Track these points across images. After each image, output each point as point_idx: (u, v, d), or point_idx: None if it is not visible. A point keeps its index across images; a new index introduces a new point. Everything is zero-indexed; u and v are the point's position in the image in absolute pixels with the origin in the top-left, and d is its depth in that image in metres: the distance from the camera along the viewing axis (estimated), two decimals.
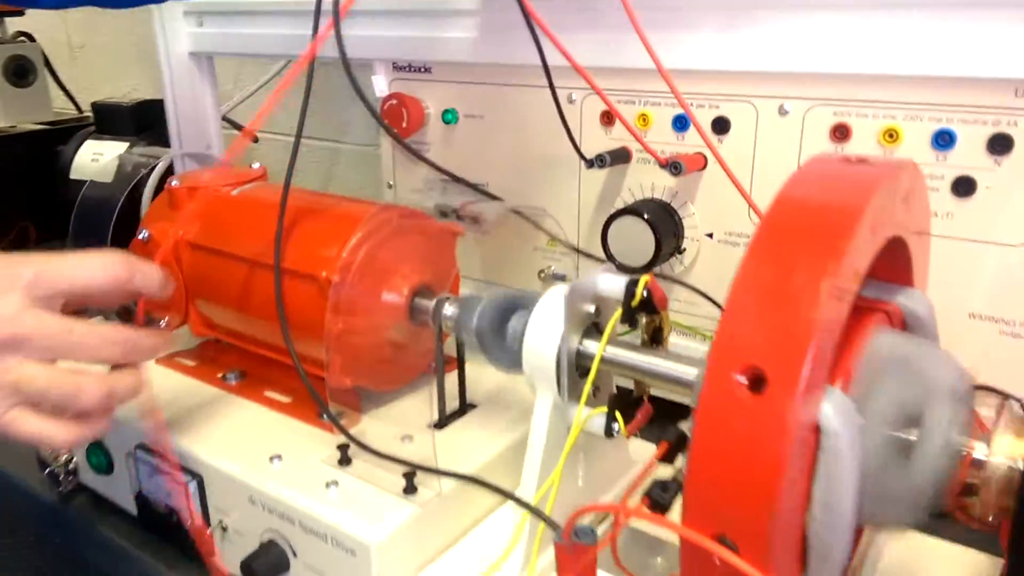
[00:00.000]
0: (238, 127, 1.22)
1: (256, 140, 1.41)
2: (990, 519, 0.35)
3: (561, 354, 0.45)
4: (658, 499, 0.35)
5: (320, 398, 0.51)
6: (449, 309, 0.52)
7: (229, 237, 0.58)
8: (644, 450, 0.57)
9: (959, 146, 0.52)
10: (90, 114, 1.32)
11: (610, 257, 0.64)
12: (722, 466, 0.30)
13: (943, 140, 0.53)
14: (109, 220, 1.05)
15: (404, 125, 0.75)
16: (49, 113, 1.37)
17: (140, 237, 0.61)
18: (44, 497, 0.65)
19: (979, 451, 0.34)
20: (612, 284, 0.46)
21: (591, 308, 0.47)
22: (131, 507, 0.60)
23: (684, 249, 0.64)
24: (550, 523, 0.41)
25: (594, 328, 0.47)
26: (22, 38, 1.37)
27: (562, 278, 0.72)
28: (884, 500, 0.35)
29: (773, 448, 0.29)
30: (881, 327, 0.38)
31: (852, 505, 0.32)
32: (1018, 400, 0.36)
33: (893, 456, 0.35)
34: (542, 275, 0.72)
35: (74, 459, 0.64)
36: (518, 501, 0.44)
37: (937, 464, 0.34)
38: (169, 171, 1.04)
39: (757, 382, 0.30)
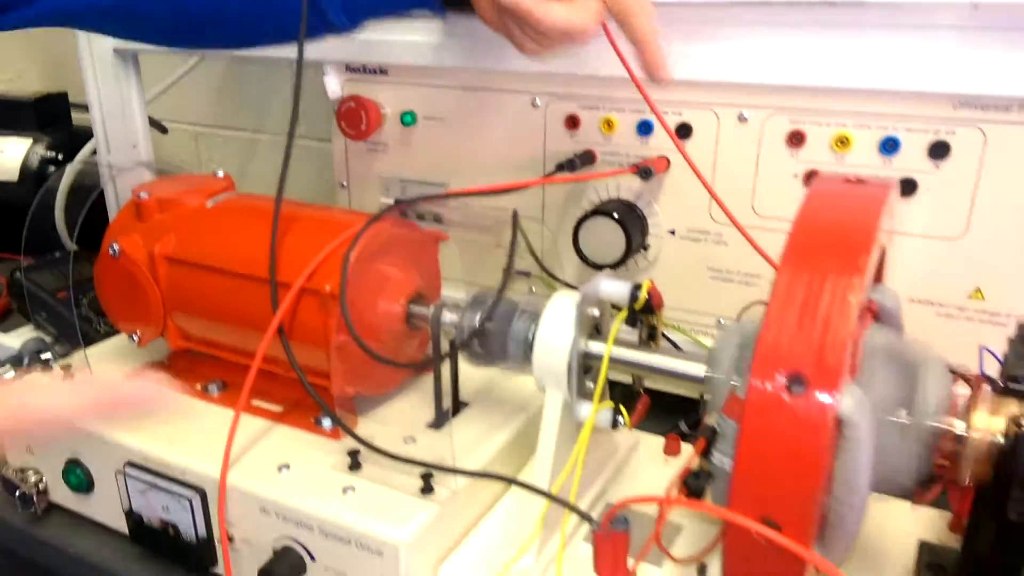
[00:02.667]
0: (157, 125, 1.18)
1: (165, 131, 1.36)
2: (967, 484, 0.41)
3: (572, 358, 0.48)
4: (694, 488, 0.38)
5: (327, 407, 0.52)
6: (448, 316, 0.54)
7: (211, 250, 0.57)
8: (627, 438, 0.61)
9: (903, 151, 0.58)
10: None
11: (581, 255, 0.67)
12: (768, 456, 0.34)
13: (889, 146, 0.58)
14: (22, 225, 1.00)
15: (363, 127, 0.75)
16: None
17: (110, 251, 0.59)
18: (15, 520, 0.63)
19: (959, 428, 0.40)
20: (616, 289, 0.49)
21: (596, 312, 0.50)
22: (116, 524, 0.59)
23: (649, 246, 0.68)
24: (583, 515, 0.44)
25: (594, 329, 0.50)
26: None
27: (526, 275, 0.74)
28: (884, 473, 0.40)
29: (815, 440, 0.33)
30: (871, 324, 0.43)
31: (867, 483, 0.37)
32: (990, 379, 0.41)
33: (889, 436, 0.40)
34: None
35: (44, 480, 0.62)
36: (547, 495, 0.47)
37: (925, 440, 0.40)
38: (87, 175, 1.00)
39: (799, 384, 0.34)
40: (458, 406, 0.59)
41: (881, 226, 0.38)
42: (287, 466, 0.53)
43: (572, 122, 0.69)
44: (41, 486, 0.62)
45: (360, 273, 0.53)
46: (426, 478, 0.50)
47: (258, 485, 0.51)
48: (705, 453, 0.38)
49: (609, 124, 0.67)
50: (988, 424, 0.40)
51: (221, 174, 0.66)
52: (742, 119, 0.63)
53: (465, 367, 0.57)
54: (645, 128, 0.66)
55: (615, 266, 0.66)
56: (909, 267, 0.60)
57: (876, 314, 0.46)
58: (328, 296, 0.52)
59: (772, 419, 0.34)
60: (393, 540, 0.46)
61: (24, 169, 1.16)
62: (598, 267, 0.67)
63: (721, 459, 0.38)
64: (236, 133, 1.37)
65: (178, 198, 0.60)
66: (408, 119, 0.76)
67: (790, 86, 0.59)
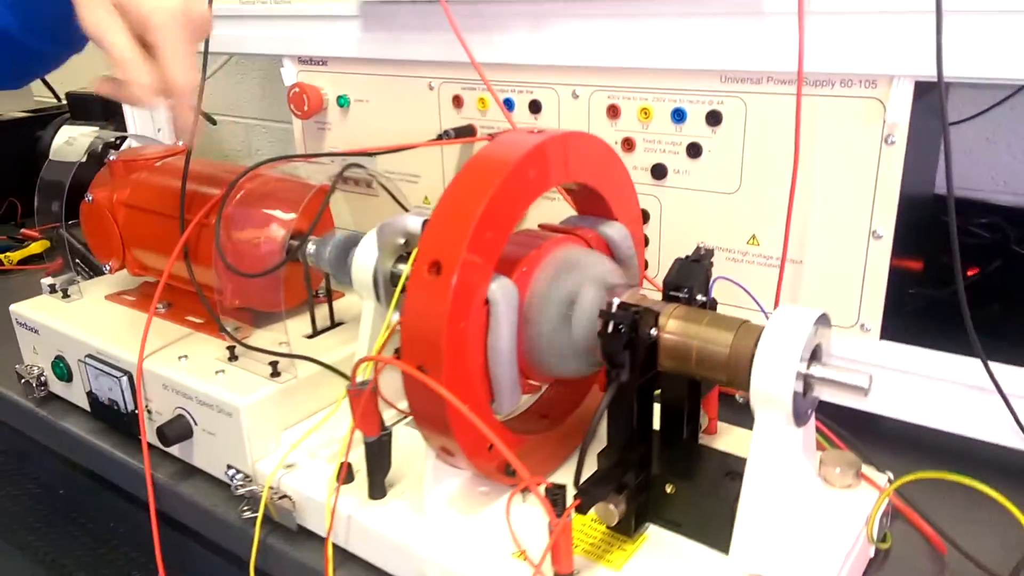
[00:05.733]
0: (208, 117, 1.40)
1: (214, 123, 1.59)
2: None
3: (377, 273, 0.63)
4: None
5: (214, 313, 0.69)
6: (310, 247, 0.70)
7: (150, 197, 0.76)
8: None
9: (689, 120, 0.70)
10: (66, 103, 1.49)
11: None
12: (419, 320, 0.48)
13: (678, 116, 0.70)
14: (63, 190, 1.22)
15: (306, 108, 0.92)
16: (31, 102, 1.54)
17: (86, 199, 0.79)
18: (23, 403, 0.84)
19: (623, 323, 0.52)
20: (414, 222, 0.63)
21: (401, 240, 0.64)
22: (85, 405, 0.79)
23: None
24: (344, 375, 0.59)
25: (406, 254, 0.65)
26: None
27: None
28: (557, 355, 0.53)
29: (441, 307, 0.47)
30: (568, 244, 0.56)
31: (509, 351, 0.50)
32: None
33: (562, 325, 0.53)
34: None
35: (44, 373, 0.82)
36: (340, 373, 0.63)
37: (583, 329, 0.52)
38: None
39: (437, 269, 0.48)
40: (335, 324, 0.75)
41: (540, 162, 0.51)
42: (186, 356, 0.70)
43: (458, 101, 0.84)
44: (42, 378, 0.83)
45: (243, 212, 0.70)
46: (273, 364, 0.66)
47: (163, 369, 0.69)
48: None
49: (483, 102, 0.82)
50: (664, 323, 0.52)
51: (181, 144, 0.84)
52: (575, 96, 0.76)
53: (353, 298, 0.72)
54: (509, 105, 0.80)
55: None
56: (702, 218, 0.71)
57: (598, 241, 0.59)
58: (211, 226, 0.69)
59: (420, 295, 0.48)
60: (236, 404, 0.63)
61: (91, 153, 1.40)
62: None
63: None
64: (278, 124, 1.58)
65: (137, 160, 0.79)
66: (343, 102, 0.93)
67: (605, 67, 0.72)
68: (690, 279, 0.54)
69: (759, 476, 0.48)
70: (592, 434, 0.48)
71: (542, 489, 0.47)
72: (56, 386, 0.82)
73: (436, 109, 0.86)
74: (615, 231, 0.60)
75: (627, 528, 0.53)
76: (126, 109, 1.13)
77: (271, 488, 0.62)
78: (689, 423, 0.57)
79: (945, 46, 0.55)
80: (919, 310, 0.75)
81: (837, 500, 0.55)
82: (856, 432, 0.64)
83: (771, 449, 0.47)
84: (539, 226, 0.60)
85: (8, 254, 1.25)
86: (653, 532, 0.54)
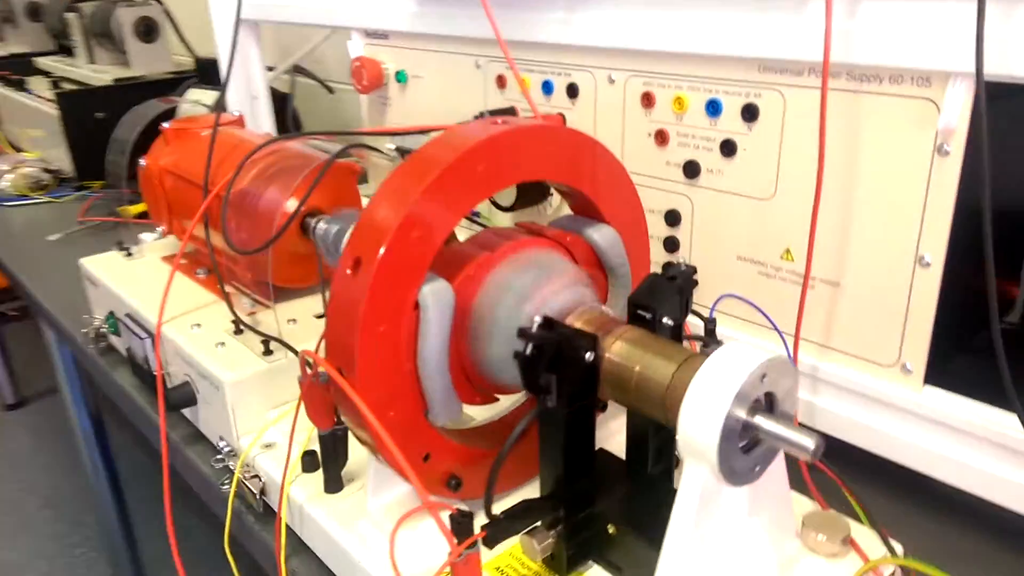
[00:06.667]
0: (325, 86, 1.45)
1: (331, 91, 1.62)
2: None
3: None
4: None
5: (222, 285, 0.70)
6: (321, 225, 0.69)
7: (188, 166, 0.78)
8: None
9: (724, 114, 0.62)
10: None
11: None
12: (336, 321, 0.46)
13: (713, 108, 0.62)
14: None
15: (364, 83, 0.91)
16: (169, 64, 1.65)
17: (140, 164, 0.82)
18: (88, 352, 0.90)
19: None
20: None
21: None
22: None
23: (552, 194, 0.77)
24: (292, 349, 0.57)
25: None
26: (151, 1, 1.65)
27: (475, 215, 0.86)
28: (502, 369, 0.49)
29: (357, 307, 0.44)
30: (533, 249, 0.51)
31: (437, 357, 0.46)
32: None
33: (503, 338, 0.48)
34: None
35: (103, 326, 0.88)
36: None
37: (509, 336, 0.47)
38: None
39: (357, 267, 0.45)
40: None
41: (470, 157, 0.46)
42: (199, 325, 0.72)
43: (501, 81, 0.80)
44: (101, 331, 0.88)
45: (259, 186, 0.70)
46: (265, 343, 0.66)
47: (176, 336, 0.71)
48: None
49: (525, 83, 0.77)
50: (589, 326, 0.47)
51: (236, 114, 0.86)
52: (611, 81, 0.69)
53: None
54: (548, 87, 0.75)
55: (510, 209, 0.76)
56: (734, 226, 0.64)
57: (580, 246, 0.53)
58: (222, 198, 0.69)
59: (339, 292, 0.45)
60: (222, 378, 0.63)
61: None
62: (507, 209, 0.78)
63: None
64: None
65: (186, 129, 0.82)
66: (401, 77, 0.91)
67: (639, 50, 0.65)
68: (657, 299, 0.48)
69: (681, 543, 0.41)
70: (500, 460, 0.44)
71: (446, 516, 0.43)
72: (113, 338, 0.87)
73: (482, 88, 0.82)
74: (602, 236, 0.54)
75: (559, 566, 0.48)
76: (222, 69, 1.17)
77: (244, 466, 0.62)
78: (660, 460, 0.51)
79: (1005, 39, 0.45)
80: (976, 353, 0.63)
81: (820, 571, 0.48)
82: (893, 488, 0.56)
83: (696, 509, 0.40)
84: (516, 225, 0.55)
85: (128, 207, 1.35)
86: (595, 573, 0.49)
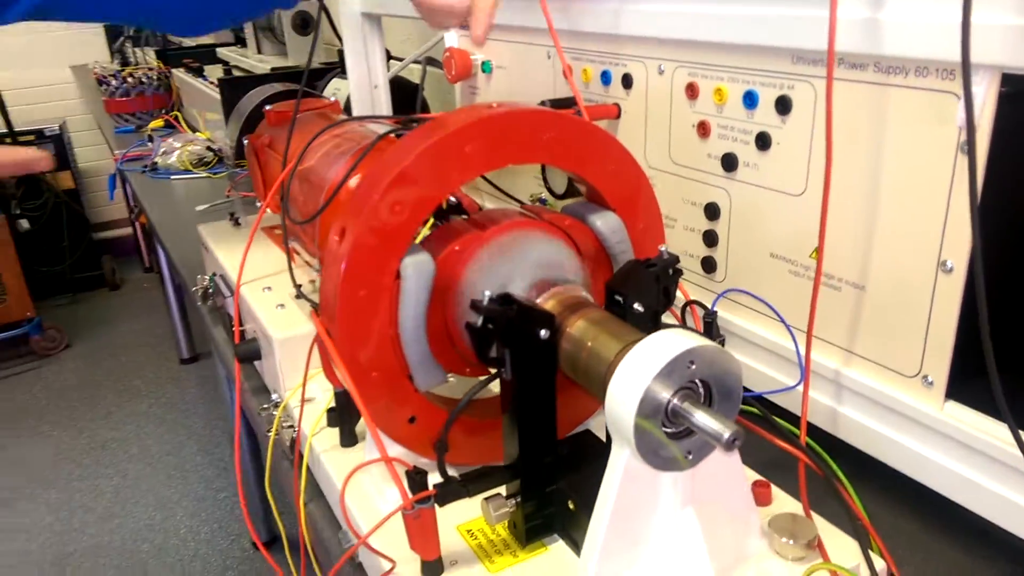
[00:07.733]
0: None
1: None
2: None
3: None
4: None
5: (289, 258, 0.77)
6: None
7: (278, 146, 0.85)
8: None
9: (760, 106, 0.60)
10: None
11: (547, 186, 0.80)
12: (325, 284, 0.50)
13: (749, 100, 0.61)
14: None
15: (453, 72, 0.96)
16: (322, 55, 1.78)
17: (243, 142, 0.91)
18: (197, 307, 1.01)
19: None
20: None
21: None
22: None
23: None
24: None
25: None
26: None
27: (543, 202, 0.88)
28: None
29: (338, 268, 0.48)
30: (524, 230, 0.53)
31: (413, 324, 0.49)
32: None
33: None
34: (531, 198, 0.90)
35: (209, 285, 0.98)
36: None
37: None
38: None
39: (343, 234, 0.49)
40: None
41: (457, 138, 0.48)
42: (270, 288, 0.79)
43: (568, 72, 0.81)
44: (208, 290, 0.98)
45: (320, 163, 0.76)
46: (315, 307, 0.72)
47: (250, 296, 0.78)
48: None
49: (586, 73, 0.78)
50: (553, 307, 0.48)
51: (332, 99, 0.93)
52: (660, 71, 0.69)
53: None
54: (606, 78, 0.76)
55: (562, 197, 0.78)
56: (767, 221, 0.62)
57: (584, 232, 0.54)
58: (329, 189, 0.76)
59: (328, 257, 0.49)
60: (273, 336, 0.70)
61: (347, 102, 1.59)
62: (561, 197, 0.79)
63: None
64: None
65: (283, 112, 0.89)
66: (486, 67, 0.94)
67: (683, 40, 0.65)
68: (631, 285, 0.48)
69: (603, 522, 0.42)
70: (451, 419, 0.46)
71: (402, 470, 0.46)
72: (218, 297, 0.97)
73: (552, 79, 0.84)
74: (604, 222, 0.55)
75: (519, 535, 0.50)
76: (348, 60, 1.25)
77: (284, 416, 0.68)
78: None
79: None
80: (1003, 369, 0.57)
81: (776, 571, 0.46)
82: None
83: (617, 491, 0.41)
84: (522, 206, 0.57)
85: None
86: (557, 548, 0.50)
